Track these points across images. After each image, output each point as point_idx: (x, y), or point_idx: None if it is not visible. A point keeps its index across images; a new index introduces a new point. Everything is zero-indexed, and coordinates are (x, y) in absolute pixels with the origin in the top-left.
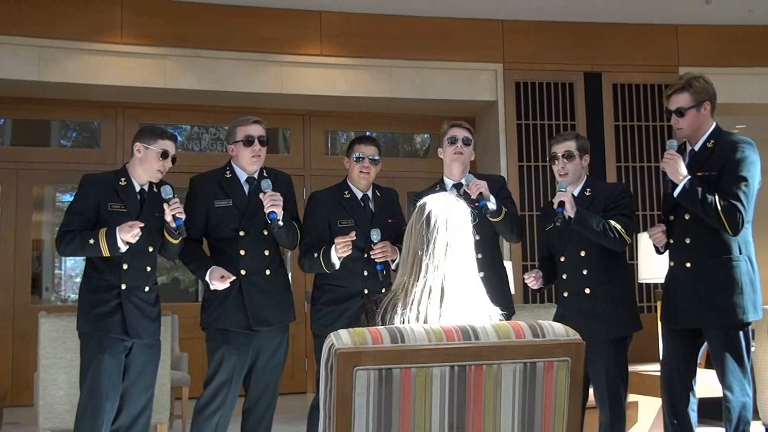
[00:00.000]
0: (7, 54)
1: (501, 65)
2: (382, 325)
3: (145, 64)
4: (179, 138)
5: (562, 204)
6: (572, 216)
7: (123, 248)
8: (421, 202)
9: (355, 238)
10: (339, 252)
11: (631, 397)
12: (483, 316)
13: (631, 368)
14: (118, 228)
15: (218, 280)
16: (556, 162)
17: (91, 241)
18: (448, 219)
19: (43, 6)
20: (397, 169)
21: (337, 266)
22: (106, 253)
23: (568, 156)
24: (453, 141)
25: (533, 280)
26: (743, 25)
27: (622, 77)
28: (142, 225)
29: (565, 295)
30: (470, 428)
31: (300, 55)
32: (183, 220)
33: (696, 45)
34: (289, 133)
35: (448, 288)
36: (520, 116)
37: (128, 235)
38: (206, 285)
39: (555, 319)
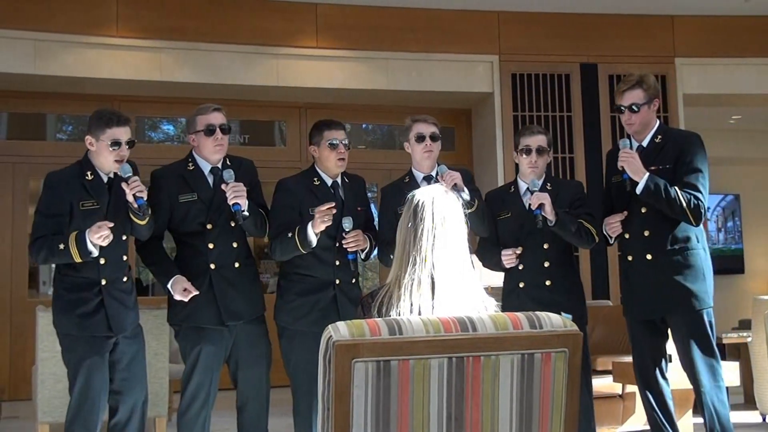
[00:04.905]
0: (2, 47)
1: (497, 57)
2: (379, 318)
3: (141, 57)
4: (174, 131)
5: (541, 206)
6: (552, 220)
7: (95, 252)
8: (410, 194)
9: (335, 211)
10: (318, 223)
11: (629, 388)
12: (478, 306)
13: (628, 359)
14: (87, 230)
15: (180, 293)
16: (527, 155)
17: (61, 246)
18: (435, 210)
19: None
20: (394, 161)
21: (314, 243)
22: (77, 259)
23: (541, 150)
24: (421, 138)
25: (515, 259)
26: (739, 15)
27: (618, 68)
28: (111, 225)
29: (521, 286)
30: (468, 419)
31: (296, 47)
32: (144, 198)
33: (692, 36)
34: (285, 125)
35: (438, 279)
36: (517, 108)
37: (96, 236)
38: (167, 291)
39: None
